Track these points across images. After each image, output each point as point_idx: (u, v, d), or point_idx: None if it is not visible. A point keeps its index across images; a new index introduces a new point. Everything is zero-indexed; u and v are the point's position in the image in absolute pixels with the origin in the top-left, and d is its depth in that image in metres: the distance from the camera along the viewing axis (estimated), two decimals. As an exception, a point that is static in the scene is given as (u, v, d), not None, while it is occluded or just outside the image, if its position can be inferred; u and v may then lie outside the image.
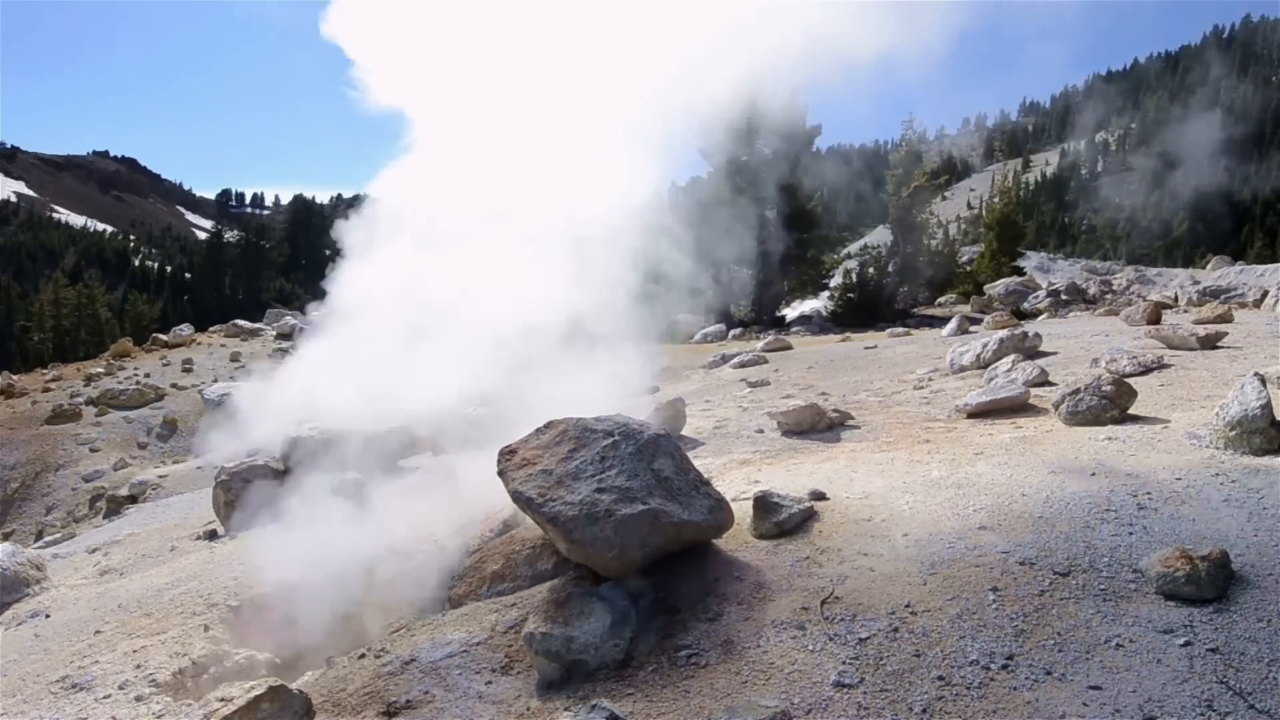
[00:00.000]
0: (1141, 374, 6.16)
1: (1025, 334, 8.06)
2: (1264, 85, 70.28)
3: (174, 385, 15.00)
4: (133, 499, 10.69)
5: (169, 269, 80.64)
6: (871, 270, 20.16)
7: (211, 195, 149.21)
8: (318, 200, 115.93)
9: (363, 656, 3.62)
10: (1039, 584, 3.06)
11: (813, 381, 8.30)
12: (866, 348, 10.37)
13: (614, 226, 6.61)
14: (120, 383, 15.08)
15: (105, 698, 3.88)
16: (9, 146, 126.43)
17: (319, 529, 5.28)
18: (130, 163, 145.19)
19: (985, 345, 7.80)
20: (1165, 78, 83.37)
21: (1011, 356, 7.24)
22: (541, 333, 6.04)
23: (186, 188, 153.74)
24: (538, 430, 3.86)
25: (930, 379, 7.56)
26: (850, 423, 6.01)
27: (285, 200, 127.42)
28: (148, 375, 15.63)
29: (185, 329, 19.46)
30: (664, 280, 7.58)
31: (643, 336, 6.81)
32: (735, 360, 10.52)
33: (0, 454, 12.77)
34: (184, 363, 16.44)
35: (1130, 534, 3.31)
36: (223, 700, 2.87)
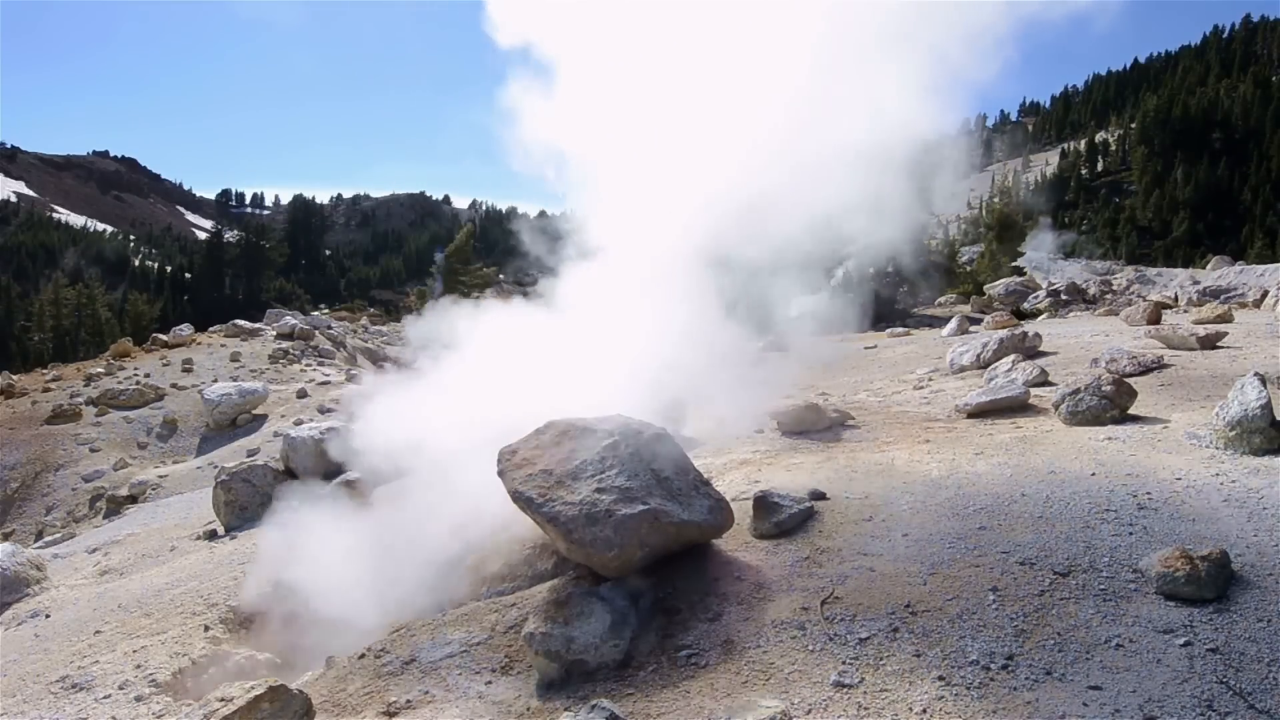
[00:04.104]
0: (1141, 374, 6.16)
1: (1025, 334, 8.06)
2: (1264, 85, 70.23)
3: (174, 385, 15.00)
4: (133, 499, 10.70)
5: (169, 269, 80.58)
6: (871, 270, 20.15)
7: (211, 195, 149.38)
8: (318, 200, 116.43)
9: (363, 657, 3.62)
10: (1039, 584, 3.06)
11: (813, 381, 8.30)
12: (866, 348, 10.37)
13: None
14: (120, 383, 15.08)
15: (105, 698, 3.89)
16: (9, 146, 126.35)
17: (319, 529, 5.28)
18: (130, 163, 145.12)
19: (985, 345, 7.80)
20: (1166, 77, 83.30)
21: (1011, 356, 7.24)
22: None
23: (186, 188, 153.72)
24: (537, 430, 3.86)
25: (930, 379, 7.56)
26: (850, 423, 6.01)
27: (285, 200, 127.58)
28: (148, 375, 15.63)
29: (185, 329, 19.46)
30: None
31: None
32: (735, 360, 10.50)
33: (0, 454, 12.78)
34: (184, 363, 16.44)
35: (1130, 534, 3.31)
36: (223, 700, 2.87)
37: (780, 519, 3.78)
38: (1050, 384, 6.19)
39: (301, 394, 14.30)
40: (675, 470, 3.67)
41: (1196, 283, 17.73)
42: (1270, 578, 2.94)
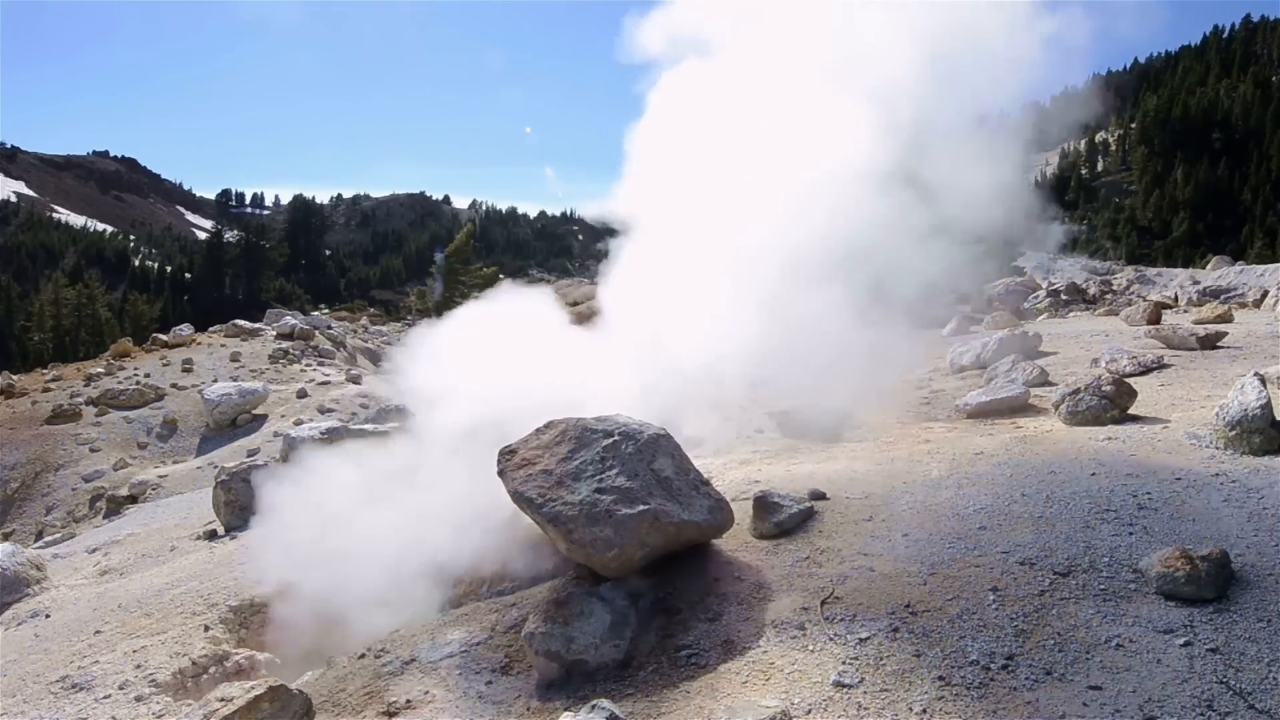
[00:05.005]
0: (1141, 374, 6.16)
1: (1025, 334, 8.07)
2: (1264, 85, 70.21)
3: (174, 385, 15.01)
4: (133, 499, 10.71)
5: (169, 269, 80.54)
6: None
7: (211, 195, 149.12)
8: (318, 200, 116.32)
9: (363, 656, 3.62)
10: (1039, 584, 3.06)
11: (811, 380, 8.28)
12: (866, 348, 10.35)
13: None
14: (120, 383, 15.08)
15: (105, 698, 3.89)
16: (9, 146, 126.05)
17: (319, 528, 5.28)
18: (130, 163, 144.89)
19: (985, 345, 7.81)
20: (1166, 77, 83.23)
21: (1011, 356, 7.24)
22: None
23: (186, 188, 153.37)
24: (538, 430, 3.87)
25: (930, 379, 7.56)
26: (850, 423, 6.01)
27: (285, 200, 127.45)
28: (148, 375, 15.63)
29: (185, 329, 19.46)
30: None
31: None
32: (735, 360, 10.49)
33: (0, 454, 12.78)
34: (184, 363, 16.44)
35: (1130, 534, 3.31)
36: (223, 700, 2.87)
37: (780, 519, 3.78)
38: (1050, 384, 6.20)
39: (301, 394, 14.31)
40: (675, 470, 3.67)
41: (1196, 283, 17.69)
42: (1270, 578, 2.94)
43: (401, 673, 3.38)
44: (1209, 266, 22.17)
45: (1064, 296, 17.18)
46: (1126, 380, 5.25)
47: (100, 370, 16.16)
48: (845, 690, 2.68)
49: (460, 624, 3.69)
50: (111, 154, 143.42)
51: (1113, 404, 4.88)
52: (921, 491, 4.01)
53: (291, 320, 20.69)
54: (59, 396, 14.77)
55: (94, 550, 7.01)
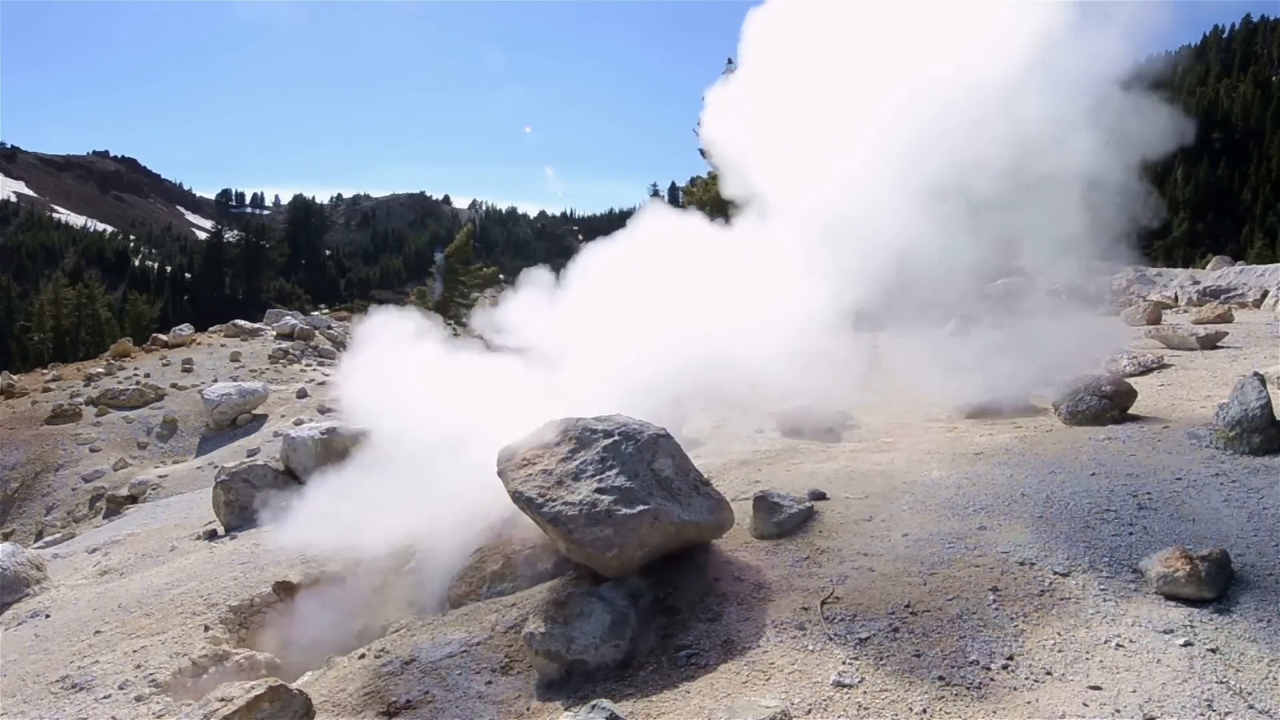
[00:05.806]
0: (1141, 374, 6.17)
1: (1026, 333, 8.05)
2: (1264, 85, 70.16)
3: (174, 385, 15.00)
4: (133, 499, 10.71)
5: (169, 269, 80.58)
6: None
7: (211, 195, 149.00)
8: (318, 200, 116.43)
9: (363, 656, 3.62)
10: (1039, 584, 3.06)
11: (813, 381, 8.28)
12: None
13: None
14: (120, 383, 15.08)
15: (105, 698, 3.89)
16: (9, 146, 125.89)
17: (319, 528, 5.29)
18: (130, 163, 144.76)
19: (986, 345, 7.79)
20: (1166, 77, 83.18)
21: (1011, 356, 7.23)
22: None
23: (186, 188, 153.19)
24: (538, 430, 3.87)
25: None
26: (850, 423, 6.01)
27: (285, 200, 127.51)
28: (148, 375, 15.63)
29: (185, 329, 19.46)
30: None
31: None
32: (735, 360, 10.49)
33: (0, 454, 12.77)
34: (184, 363, 16.44)
35: (1130, 534, 3.31)
36: (223, 700, 2.86)
37: (780, 519, 3.78)
38: (1050, 384, 6.18)
39: (301, 394, 14.30)
40: (675, 470, 3.67)
41: (1196, 283, 17.67)
42: (1270, 578, 2.94)
43: (401, 673, 3.38)
44: (1209, 266, 22.12)
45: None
46: (1126, 380, 5.25)
47: (100, 370, 16.16)
48: (845, 690, 2.68)
49: (460, 624, 3.68)
50: (111, 154, 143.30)
51: (1113, 404, 4.89)
52: (921, 491, 4.01)
53: (291, 320, 20.69)
54: (59, 396, 14.77)
55: (94, 550, 7.01)
